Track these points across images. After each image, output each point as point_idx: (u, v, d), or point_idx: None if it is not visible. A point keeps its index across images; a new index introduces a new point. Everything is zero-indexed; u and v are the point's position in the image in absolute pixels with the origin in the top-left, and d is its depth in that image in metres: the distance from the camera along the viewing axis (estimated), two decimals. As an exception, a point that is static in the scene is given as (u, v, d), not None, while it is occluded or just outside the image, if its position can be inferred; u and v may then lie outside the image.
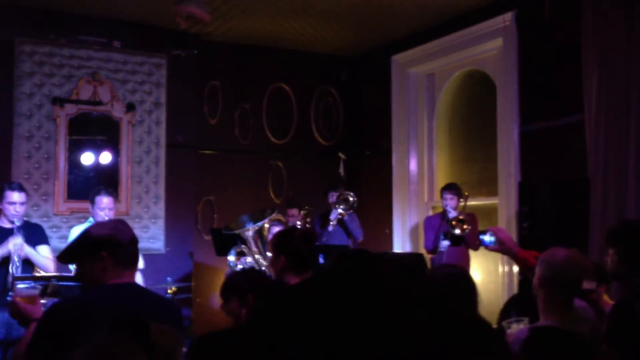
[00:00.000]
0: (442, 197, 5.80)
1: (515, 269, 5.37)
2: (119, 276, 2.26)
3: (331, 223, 6.09)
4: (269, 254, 5.65)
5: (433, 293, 0.64)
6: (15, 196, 4.73)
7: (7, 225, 4.74)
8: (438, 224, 5.77)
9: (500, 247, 3.09)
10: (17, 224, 4.72)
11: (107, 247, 2.26)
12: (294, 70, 7.35)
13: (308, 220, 6.47)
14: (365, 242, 6.39)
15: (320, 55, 7.37)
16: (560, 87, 5.14)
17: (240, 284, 2.84)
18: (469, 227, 5.52)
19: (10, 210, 4.72)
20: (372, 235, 6.63)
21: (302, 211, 6.43)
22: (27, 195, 4.91)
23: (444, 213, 5.79)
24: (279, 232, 3.50)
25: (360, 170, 7.35)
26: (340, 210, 6.10)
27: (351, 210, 6.14)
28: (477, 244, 5.60)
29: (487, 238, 3.19)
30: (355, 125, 7.54)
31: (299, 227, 6.23)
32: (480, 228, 6.01)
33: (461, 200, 5.73)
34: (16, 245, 4.53)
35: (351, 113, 7.59)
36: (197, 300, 6.28)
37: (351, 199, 6.11)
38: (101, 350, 1.32)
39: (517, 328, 2.48)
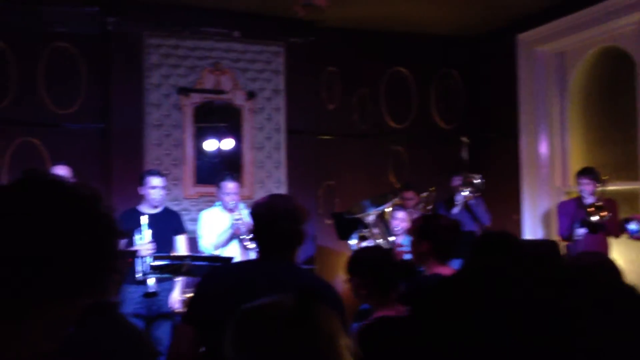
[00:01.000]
0: (577, 182, 5.50)
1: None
2: (266, 255, 2.37)
3: (456, 205, 5.95)
4: (391, 238, 5.64)
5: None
6: (156, 180, 5.00)
7: (150, 211, 4.99)
8: (573, 210, 5.48)
9: None
10: (155, 209, 4.96)
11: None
12: (413, 53, 7.25)
13: (428, 203, 6.36)
14: (492, 228, 6.20)
15: (440, 36, 7.21)
16: None
17: (363, 262, 2.86)
18: (608, 214, 5.20)
19: (152, 194, 4.99)
20: (499, 221, 6.42)
21: (421, 194, 6.35)
22: (165, 179, 5.16)
23: (579, 199, 5.49)
24: (425, 217, 3.51)
25: (484, 154, 7.14)
26: (467, 194, 5.95)
27: (477, 194, 5.97)
28: (619, 232, 5.31)
29: (633, 226, 2.98)
30: (478, 107, 7.33)
31: (418, 210, 6.13)
32: (621, 215, 5.65)
33: (599, 185, 5.40)
34: (146, 250, 4.74)
35: (474, 95, 7.39)
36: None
37: (477, 181, 5.94)
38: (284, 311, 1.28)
39: None
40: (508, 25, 6.73)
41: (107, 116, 6.20)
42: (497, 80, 7.08)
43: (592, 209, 5.26)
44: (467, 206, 6.05)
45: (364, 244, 5.70)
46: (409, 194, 6.29)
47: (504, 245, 2.54)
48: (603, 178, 5.43)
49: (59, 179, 1.11)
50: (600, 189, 5.41)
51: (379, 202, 5.95)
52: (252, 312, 1.32)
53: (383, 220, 5.87)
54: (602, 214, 5.22)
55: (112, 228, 1.10)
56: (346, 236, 5.82)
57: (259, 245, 2.41)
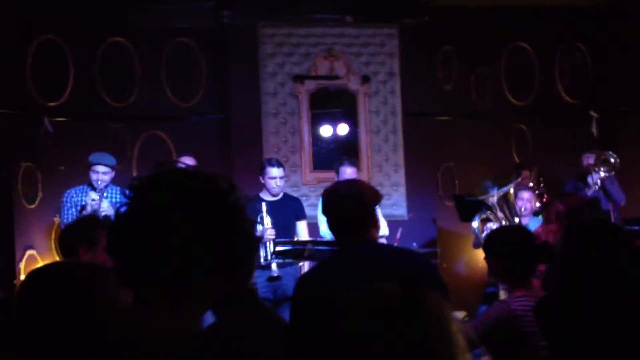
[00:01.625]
0: None
1: None
2: (350, 237, 2.31)
3: (591, 185, 5.62)
4: (517, 220, 5.40)
5: None
6: (275, 171, 5.09)
7: (270, 198, 5.10)
8: None
9: None
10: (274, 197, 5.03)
11: (326, 212, 2.39)
12: (532, 27, 6.93)
13: (541, 180, 6.08)
14: (627, 207, 5.83)
15: (560, 8, 6.82)
16: None
17: (501, 242, 2.82)
18: None
19: (272, 184, 5.09)
20: (634, 199, 5.99)
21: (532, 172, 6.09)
22: (284, 169, 5.23)
23: None
24: (572, 199, 3.39)
25: (615, 129, 6.77)
26: (602, 174, 5.61)
27: (612, 172, 5.61)
28: None
29: None
30: (607, 80, 6.93)
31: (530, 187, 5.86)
32: None
33: None
34: (268, 236, 4.83)
35: (602, 68, 6.98)
36: (443, 265, 6.24)
37: (613, 159, 5.59)
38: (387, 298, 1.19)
39: None
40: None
41: (226, 107, 6.37)
42: (627, 51, 6.66)
43: None
44: (602, 185, 5.70)
45: (488, 225, 5.52)
46: (525, 173, 6.03)
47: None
48: None
49: (203, 173, 1.21)
50: None
51: (502, 182, 5.72)
52: (352, 304, 1.22)
53: (507, 201, 5.64)
54: None
55: (249, 217, 1.21)
56: (468, 218, 5.65)
57: (334, 231, 2.39)
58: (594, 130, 6.67)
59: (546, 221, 3.24)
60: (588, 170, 5.78)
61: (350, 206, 2.31)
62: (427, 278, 2.21)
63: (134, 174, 6.06)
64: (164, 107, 6.35)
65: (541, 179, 6.29)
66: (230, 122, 6.34)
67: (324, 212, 2.40)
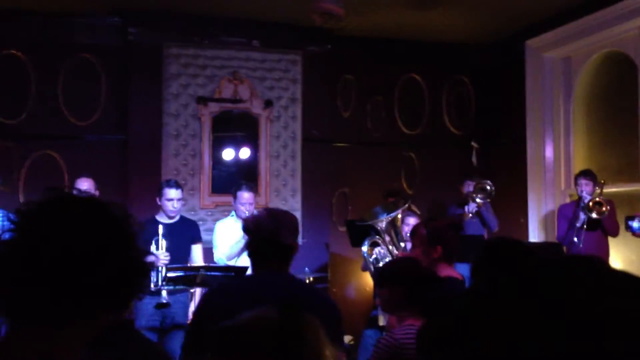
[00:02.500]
0: (576, 183, 5.59)
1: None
2: (261, 266, 2.44)
3: (469, 211, 5.99)
4: (402, 244, 5.71)
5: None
6: (172, 192, 5.06)
7: (166, 220, 5.08)
8: (571, 212, 5.54)
9: None
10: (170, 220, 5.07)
11: (248, 244, 2.49)
12: (426, 60, 7.30)
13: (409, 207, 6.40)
14: (500, 232, 6.23)
15: (451, 44, 7.25)
16: None
17: (395, 273, 2.89)
18: (608, 209, 5.25)
19: (169, 206, 5.05)
20: (507, 224, 6.44)
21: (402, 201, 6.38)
22: (183, 191, 5.25)
23: (578, 201, 5.54)
24: (435, 223, 3.54)
25: (493, 159, 7.19)
26: (478, 200, 5.99)
27: (488, 200, 6.01)
28: (617, 231, 5.36)
29: (636, 224, 3.08)
30: (488, 113, 7.36)
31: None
32: (619, 216, 5.67)
33: (597, 187, 5.45)
34: (162, 260, 4.77)
35: (484, 101, 7.43)
36: (333, 290, 6.43)
37: (489, 187, 5.98)
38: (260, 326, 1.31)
39: None
40: (517, 32, 6.77)
41: (126, 127, 6.30)
42: (506, 86, 7.12)
43: (592, 205, 5.33)
44: (477, 211, 6.09)
45: (376, 250, 5.80)
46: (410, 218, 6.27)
47: (514, 253, 2.55)
48: (601, 181, 5.50)
49: (95, 200, 1.22)
50: (598, 190, 5.46)
51: (390, 208, 6.02)
52: (233, 329, 1.32)
53: (394, 227, 5.94)
54: (602, 209, 5.27)
55: (141, 245, 1.21)
56: (359, 243, 5.90)
57: (251, 258, 2.50)
58: (475, 159, 7.11)
59: (413, 246, 3.43)
60: (467, 197, 6.15)
61: (274, 236, 2.42)
62: (313, 306, 2.34)
63: (21, 196, 5.94)
64: (58, 126, 6.16)
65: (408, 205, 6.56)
66: (129, 143, 6.25)
67: (250, 240, 2.49)
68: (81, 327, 1.13)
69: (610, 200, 5.52)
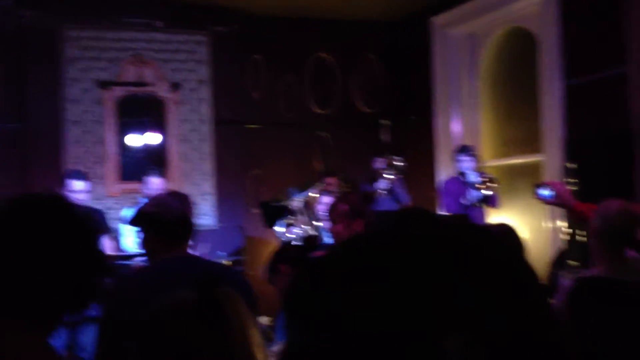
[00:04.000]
0: (457, 160, 5.74)
1: (559, 224, 5.27)
2: (169, 250, 2.33)
3: (380, 188, 6.06)
4: (316, 223, 5.71)
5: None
6: (78, 184, 4.91)
7: None
8: (456, 188, 5.69)
9: (558, 200, 3.18)
10: None
11: (151, 224, 2.36)
12: (335, 39, 7.27)
13: (347, 186, 6.46)
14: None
15: (360, 22, 7.26)
16: (603, 39, 4.99)
17: (292, 255, 2.93)
18: (496, 185, 5.47)
19: (72, 198, 4.87)
20: (418, 200, 6.56)
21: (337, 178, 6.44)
22: (88, 182, 5.06)
23: (460, 176, 5.70)
24: (352, 198, 3.56)
25: (404, 136, 7.27)
26: (389, 177, 6.06)
27: (399, 176, 6.09)
28: (499, 205, 5.60)
29: (546, 192, 3.27)
30: (397, 91, 7.42)
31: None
32: (525, 186, 5.91)
33: (478, 161, 5.70)
34: None
35: (393, 79, 7.47)
36: (250, 272, 6.37)
37: (399, 164, 6.06)
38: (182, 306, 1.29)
39: (569, 277, 2.51)
40: (423, 9, 6.85)
41: (23, 115, 6.01)
42: (415, 63, 7.19)
43: (482, 184, 5.46)
44: (389, 187, 6.16)
45: (291, 230, 5.79)
46: (331, 180, 6.34)
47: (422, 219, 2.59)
48: (476, 154, 5.73)
49: (56, 199, 1.24)
50: (480, 165, 5.68)
51: (304, 188, 6.03)
52: (153, 317, 1.31)
53: (309, 207, 5.95)
54: (492, 185, 5.44)
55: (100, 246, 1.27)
56: (273, 224, 5.88)
57: (157, 241, 2.39)
58: (386, 137, 7.21)
59: (334, 223, 3.44)
60: (378, 174, 6.21)
61: (178, 219, 2.35)
62: (230, 282, 2.33)
63: None
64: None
65: (347, 185, 6.65)
66: (28, 131, 5.98)
67: (146, 223, 2.39)
68: (39, 326, 1.15)
69: (491, 175, 5.70)
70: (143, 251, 2.47)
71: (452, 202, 5.72)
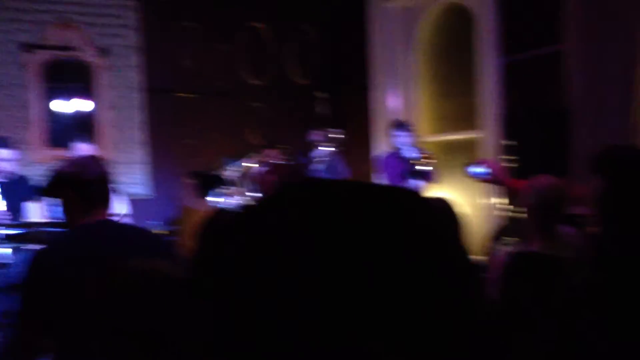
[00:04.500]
0: (393, 135, 5.80)
1: (495, 201, 5.47)
2: (89, 214, 2.26)
3: (316, 160, 6.09)
4: (250, 194, 5.72)
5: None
6: (2, 153, 4.70)
7: None
8: (395, 163, 5.75)
9: (492, 177, 3.21)
10: None
11: (72, 184, 2.26)
12: (269, 8, 7.19)
13: (286, 158, 6.45)
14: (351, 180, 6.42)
15: (296, -8, 7.20)
16: (540, 17, 5.13)
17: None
18: (434, 160, 5.60)
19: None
20: (354, 174, 6.65)
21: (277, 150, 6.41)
22: (16, 151, 4.85)
23: (397, 152, 5.77)
24: (290, 170, 3.52)
25: (340, 109, 7.30)
26: (327, 150, 6.09)
27: (336, 149, 6.14)
28: (437, 180, 5.76)
29: (480, 169, 3.29)
30: (334, 62, 7.44)
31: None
32: (461, 161, 6.08)
33: (415, 137, 5.77)
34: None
35: (329, 50, 7.49)
36: (184, 242, 6.31)
37: (337, 136, 6.10)
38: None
39: (503, 251, 2.59)
40: (360, -20, 6.88)
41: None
42: (350, 34, 7.20)
43: (421, 160, 5.58)
44: (326, 161, 6.20)
45: (226, 200, 5.77)
46: (271, 152, 6.32)
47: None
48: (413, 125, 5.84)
49: None
50: (416, 140, 5.76)
51: (239, 158, 6.01)
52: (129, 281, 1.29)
53: (244, 177, 5.94)
54: (430, 161, 5.57)
55: None
56: (207, 194, 5.83)
57: (69, 205, 2.29)
58: (321, 109, 7.24)
59: (263, 193, 3.42)
60: (315, 147, 6.25)
61: (97, 179, 2.27)
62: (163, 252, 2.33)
63: None
64: None
65: (289, 157, 6.63)
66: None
67: (65, 184, 2.27)
68: None
69: (425, 149, 5.84)
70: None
71: (390, 178, 5.80)
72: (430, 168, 5.61)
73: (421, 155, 5.63)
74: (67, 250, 2.22)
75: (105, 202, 2.32)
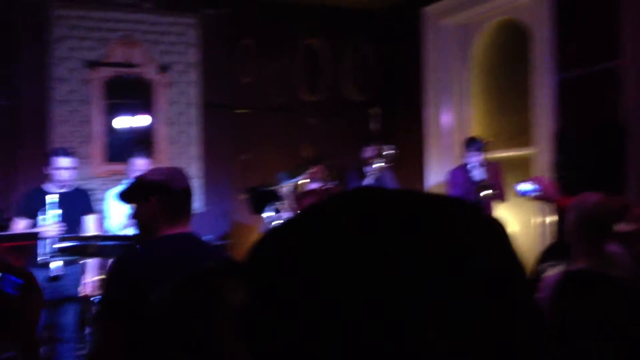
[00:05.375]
0: (465, 152, 5.71)
1: (549, 220, 5.29)
2: (171, 225, 2.18)
3: (367, 176, 6.04)
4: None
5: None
6: (63, 161, 4.84)
7: (56, 190, 4.85)
8: (463, 180, 5.68)
9: (543, 195, 3.16)
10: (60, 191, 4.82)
11: (157, 192, 2.19)
12: (326, 25, 7.24)
13: (329, 175, 6.42)
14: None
15: (352, 9, 7.24)
16: (596, 33, 5.00)
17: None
18: (495, 192, 5.46)
19: (59, 175, 4.82)
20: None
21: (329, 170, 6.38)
22: (75, 159, 4.99)
23: (465, 166, 5.71)
24: (338, 189, 3.45)
25: (393, 125, 7.27)
26: (379, 166, 6.04)
27: (389, 165, 6.08)
28: (504, 197, 5.60)
29: (528, 187, 3.24)
30: (388, 79, 7.43)
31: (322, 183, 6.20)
32: (515, 179, 5.90)
33: (484, 152, 5.65)
34: (52, 231, 4.58)
35: (384, 67, 7.48)
36: (235, 258, 6.36)
37: (389, 153, 6.04)
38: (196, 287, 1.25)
39: (552, 272, 2.49)
40: (415, -2, 6.85)
41: (12, 92, 5.94)
42: (405, 52, 7.19)
43: (482, 186, 5.47)
44: (377, 176, 6.15)
45: (279, 216, 5.76)
46: (316, 168, 6.30)
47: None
48: (486, 141, 5.69)
49: None
50: (484, 155, 5.63)
51: (293, 174, 6.00)
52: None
53: (297, 193, 5.92)
54: (492, 190, 5.45)
55: None
56: (261, 210, 5.84)
57: (151, 215, 2.22)
58: (375, 126, 7.20)
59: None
60: (367, 163, 6.21)
61: (185, 190, 2.24)
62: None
63: None
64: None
65: (332, 173, 6.63)
66: (16, 109, 5.91)
67: (157, 194, 2.20)
68: None
69: (497, 163, 5.70)
70: (132, 231, 2.34)
71: (457, 193, 5.72)
72: (490, 194, 5.47)
73: (489, 171, 5.51)
74: (147, 261, 2.13)
75: (188, 215, 2.26)
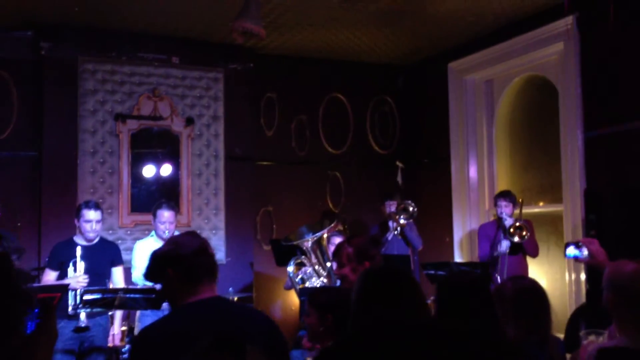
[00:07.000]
0: (496, 204, 5.68)
1: (582, 277, 5.21)
2: (195, 291, 2.14)
3: (390, 231, 6.03)
4: (329, 264, 5.68)
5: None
6: (91, 214, 4.87)
7: (84, 242, 4.88)
8: (494, 233, 5.65)
9: (592, 260, 2.96)
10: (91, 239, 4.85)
11: (170, 264, 2.16)
12: (350, 80, 7.37)
13: (346, 229, 6.41)
14: (426, 250, 6.32)
15: (375, 64, 7.37)
16: (624, 91, 5.00)
17: (323, 302, 2.83)
18: (528, 234, 5.40)
19: (87, 227, 4.86)
20: (433, 244, 6.55)
21: (343, 224, 6.39)
22: (103, 213, 5.05)
23: (498, 221, 5.66)
24: (358, 240, 3.44)
25: (418, 179, 7.30)
26: (401, 221, 6.02)
27: (411, 220, 6.08)
28: (537, 251, 5.54)
29: (576, 252, 3.02)
30: (412, 133, 7.50)
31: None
32: (543, 234, 5.86)
33: (516, 207, 5.60)
34: (80, 283, 4.60)
35: (408, 121, 7.56)
36: (258, 309, 6.32)
37: (411, 208, 6.04)
38: None
39: (594, 340, 2.39)
40: (440, 54, 6.94)
41: (39, 144, 6.05)
42: (430, 106, 7.26)
43: (513, 229, 5.43)
44: (401, 231, 6.14)
45: (302, 270, 5.74)
46: (334, 223, 6.30)
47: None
48: (519, 200, 5.62)
49: None
50: (517, 210, 5.57)
51: (316, 228, 6.00)
52: None
53: (321, 247, 5.92)
54: (523, 234, 5.41)
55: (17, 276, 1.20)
56: (284, 262, 5.84)
57: (170, 285, 2.20)
58: (399, 179, 7.24)
59: (340, 265, 3.35)
60: (390, 217, 6.21)
61: (196, 252, 2.17)
62: (272, 340, 2.15)
63: None
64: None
65: (345, 226, 6.65)
66: (43, 160, 5.99)
67: (168, 266, 2.17)
68: None
69: (529, 220, 5.64)
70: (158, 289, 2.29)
71: (485, 247, 5.68)
72: (518, 239, 5.42)
73: (515, 226, 5.46)
74: (168, 331, 2.07)
75: (210, 275, 2.18)
